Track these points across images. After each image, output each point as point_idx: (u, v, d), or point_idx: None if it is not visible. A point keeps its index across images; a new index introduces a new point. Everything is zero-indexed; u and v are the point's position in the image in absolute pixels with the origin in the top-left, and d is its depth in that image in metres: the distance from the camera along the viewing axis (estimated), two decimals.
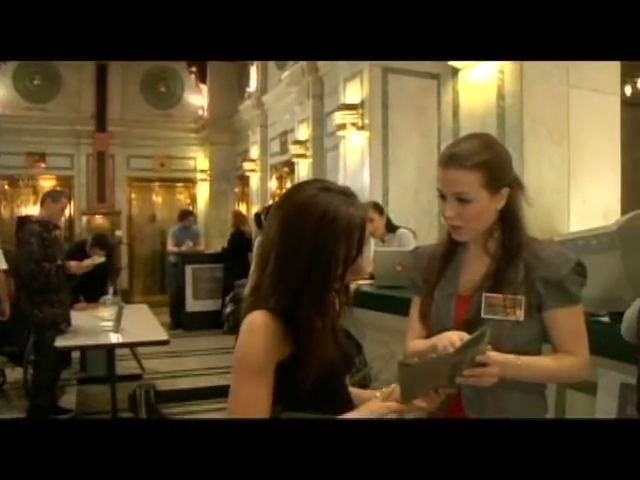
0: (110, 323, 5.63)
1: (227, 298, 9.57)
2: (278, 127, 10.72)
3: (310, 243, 1.53)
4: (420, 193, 6.31)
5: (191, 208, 13.25)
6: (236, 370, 1.56)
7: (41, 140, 12.53)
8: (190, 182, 14.25)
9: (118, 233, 12.69)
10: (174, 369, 7.64)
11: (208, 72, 13.38)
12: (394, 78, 6.61)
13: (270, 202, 9.80)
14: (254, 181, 11.69)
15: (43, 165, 12.78)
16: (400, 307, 3.75)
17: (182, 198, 14.30)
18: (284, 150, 10.21)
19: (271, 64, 10.90)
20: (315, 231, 1.53)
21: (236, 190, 13.49)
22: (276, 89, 10.35)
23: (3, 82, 12.53)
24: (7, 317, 5.77)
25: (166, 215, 13.75)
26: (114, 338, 5.37)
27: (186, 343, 9.07)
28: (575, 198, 4.66)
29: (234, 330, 1.61)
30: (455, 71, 5.22)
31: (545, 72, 4.54)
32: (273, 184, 10.93)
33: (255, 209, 10.65)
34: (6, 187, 12.91)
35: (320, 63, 8.19)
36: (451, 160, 1.85)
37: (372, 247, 5.35)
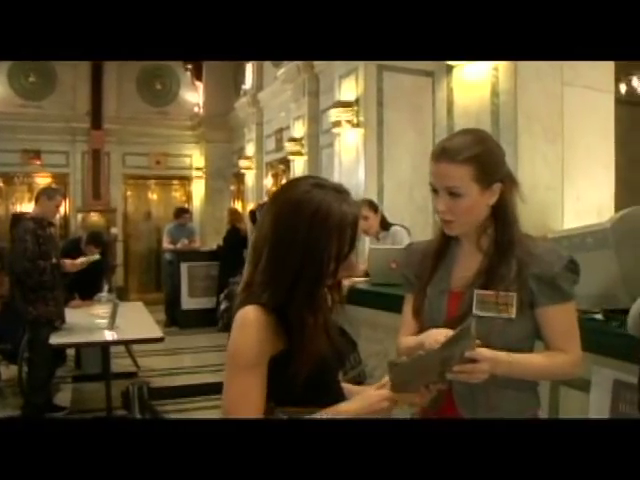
0: (105, 320, 5.64)
1: (221, 295, 9.57)
2: (274, 124, 10.72)
3: (303, 239, 1.54)
4: (415, 190, 6.30)
5: (187, 206, 13.23)
6: (229, 365, 1.57)
7: (36, 137, 12.48)
8: (186, 180, 14.23)
9: (113, 230, 12.70)
10: (170, 367, 7.65)
11: (204, 69, 13.36)
12: (389, 75, 6.60)
13: (265, 199, 9.79)
14: (250, 178, 11.69)
15: (38, 162, 12.74)
16: (395, 304, 3.75)
17: (178, 196, 14.28)
18: (279, 147, 10.20)
19: (267, 62, 10.89)
20: (308, 227, 1.54)
21: (232, 188, 13.48)
22: (272, 86, 10.34)
23: None
24: None
25: (162, 213, 13.74)
26: (109, 335, 5.37)
27: (181, 341, 9.08)
28: (569, 195, 4.66)
29: (228, 327, 1.61)
30: (449, 68, 5.22)
31: (539, 70, 4.54)
32: (269, 182, 10.92)
33: (250, 206, 10.65)
34: (1, 184, 12.89)
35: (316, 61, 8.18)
36: (443, 154, 1.85)
37: (367, 245, 5.35)
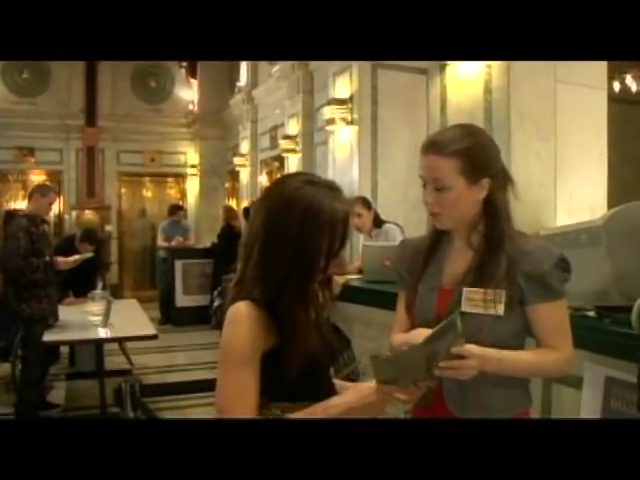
0: (98, 318, 5.62)
1: (215, 293, 9.56)
2: (268, 122, 10.71)
3: (294, 235, 1.55)
4: (409, 188, 6.30)
5: (181, 203, 13.18)
6: (222, 361, 1.58)
7: (30, 135, 12.45)
8: (180, 177, 14.21)
9: (108, 228, 12.68)
10: (164, 364, 7.64)
11: (198, 67, 13.35)
12: (383, 73, 6.61)
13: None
14: (244, 176, 11.68)
15: (32, 160, 12.70)
16: (388, 302, 3.75)
17: (172, 193, 14.26)
18: (274, 145, 10.20)
19: None
20: (299, 223, 1.55)
21: (226, 185, 13.48)
22: (266, 84, 10.34)
23: None
24: None
25: (156, 210, 13.72)
26: (102, 333, 5.36)
27: (176, 338, 9.07)
28: (562, 193, 4.66)
29: (221, 325, 1.61)
30: (443, 66, 5.22)
31: (532, 67, 4.54)
32: (263, 179, 10.92)
33: (245, 204, 10.65)
34: None
35: None
36: (431, 147, 1.87)
37: (361, 242, 5.36)
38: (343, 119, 6.73)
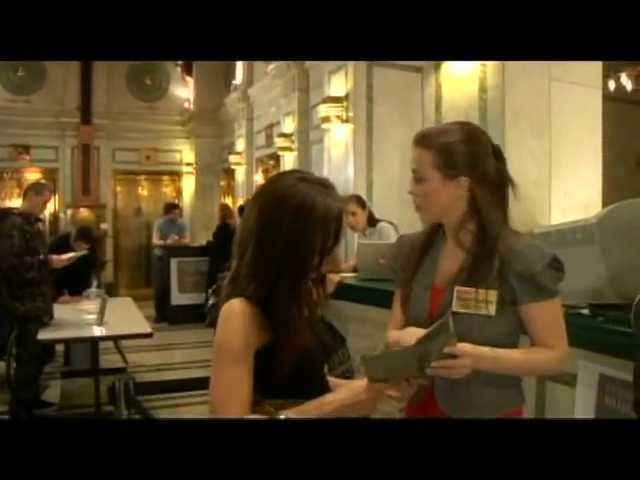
0: (93, 316, 5.61)
1: (209, 291, 9.55)
2: (264, 120, 10.71)
3: (287, 231, 1.55)
4: (405, 186, 6.28)
5: (177, 201, 13.19)
6: (216, 358, 1.58)
7: (25, 132, 12.43)
8: (176, 175, 14.19)
9: (103, 226, 12.65)
10: (159, 362, 7.64)
11: (194, 65, 13.34)
12: (379, 71, 6.61)
13: None
14: (240, 174, 11.68)
15: (27, 157, 12.68)
16: (383, 300, 3.76)
17: (168, 191, 14.24)
18: (270, 143, 10.20)
19: None
20: (292, 220, 1.56)
21: (222, 183, 13.48)
22: (262, 82, 10.34)
23: None
24: None
25: (152, 208, 13.70)
26: (97, 331, 5.36)
27: (171, 336, 9.07)
28: (556, 191, 4.66)
29: (216, 323, 1.61)
30: (438, 64, 5.22)
31: (527, 66, 4.54)
32: (259, 177, 10.92)
33: (240, 202, 10.64)
34: None
35: None
36: (417, 139, 1.92)
37: (356, 240, 5.37)
38: (338, 117, 6.74)
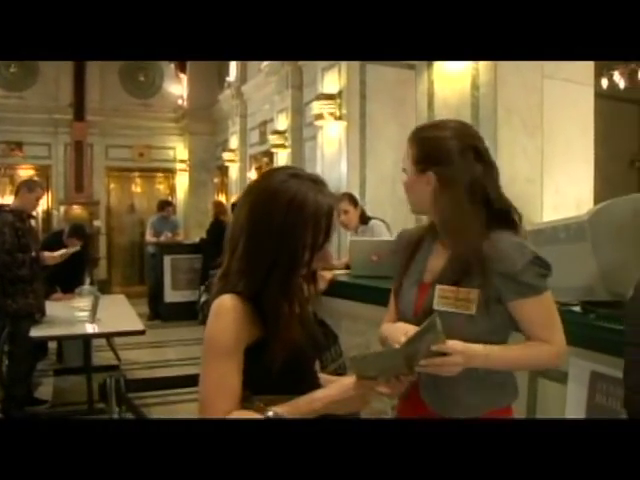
0: (86, 313, 5.61)
1: (202, 288, 9.55)
2: (257, 117, 10.70)
3: (278, 227, 1.56)
4: (397, 183, 6.22)
5: (170, 198, 13.18)
6: (206, 353, 1.58)
7: (18, 129, 12.38)
8: (169, 172, 14.16)
9: (96, 223, 12.63)
10: (152, 359, 7.63)
11: (188, 62, 13.29)
12: (372, 68, 6.62)
13: None
14: (233, 171, 11.67)
15: (20, 154, 12.63)
16: (376, 297, 3.79)
17: (161, 188, 14.21)
18: (263, 140, 10.20)
19: None
20: (283, 215, 1.56)
21: (215, 180, 13.47)
22: (256, 79, 10.32)
23: None
24: None
25: (145, 205, 13.68)
26: (89, 328, 5.36)
27: (164, 333, 9.06)
28: (548, 188, 4.68)
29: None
30: (431, 62, 5.23)
31: (519, 63, 4.54)
32: (252, 174, 10.90)
33: (234, 199, 10.63)
34: None
35: None
36: (410, 132, 1.98)
37: (348, 238, 5.37)
38: (332, 114, 6.74)
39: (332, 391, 1.61)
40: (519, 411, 2.26)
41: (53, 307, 5.92)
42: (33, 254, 5.40)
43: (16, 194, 5.68)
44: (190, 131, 13.61)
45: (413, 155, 1.92)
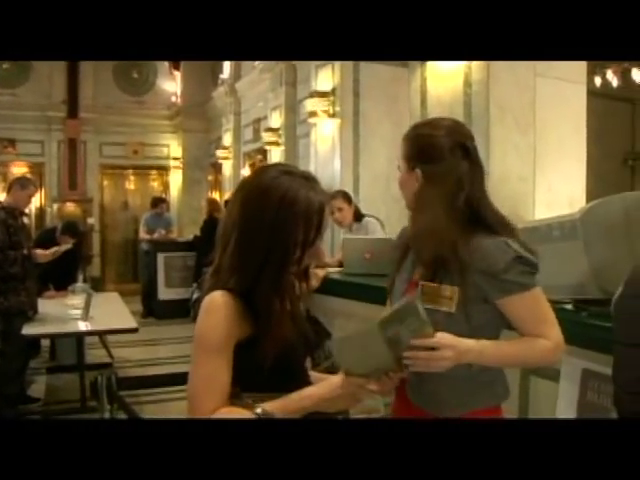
0: (79, 311, 5.60)
1: (194, 285, 9.53)
2: (251, 114, 10.70)
3: (269, 223, 1.56)
4: (391, 181, 6.26)
5: (164, 195, 13.13)
6: (196, 349, 1.57)
7: (11, 126, 12.32)
8: (163, 169, 14.15)
9: (90, 220, 12.61)
10: (146, 357, 7.61)
11: None
12: (365, 66, 6.62)
13: None
14: (227, 169, 11.66)
15: (13, 151, 12.59)
16: (369, 294, 3.79)
17: (155, 185, 14.20)
18: (257, 137, 10.19)
19: None
20: (275, 212, 1.56)
21: (209, 177, 13.47)
22: (249, 76, 10.31)
23: None
24: None
25: (139, 202, 13.65)
26: (82, 326, 5.35)
27: (158, 331, 9.04)
28: (540, 186, 4.68)
29: None
30: None
31: (512, 61, 4.55)
32: (246, 171, 10.89)
33: (227, 196, 10.63)
34: None
35: None
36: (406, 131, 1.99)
37: (342, 235, 5.37)
38: (325, 112, 6.74)
39: (321, 389, 1.61)
40: (511, 409, 2.26)
41: (46, 305, 5.90)
42: (25, 252, 5.38)
43: (8, 191, 5.66)
44: (184, 128, 13.59)
45: (405, 152, 1.94)
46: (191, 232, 11.49)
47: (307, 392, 1.60)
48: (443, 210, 1.84)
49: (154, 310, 10.35)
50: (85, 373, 5.52)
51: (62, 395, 6.05)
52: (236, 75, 11.19)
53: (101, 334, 6.62)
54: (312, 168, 6.80)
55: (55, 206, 12.62)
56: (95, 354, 7.05)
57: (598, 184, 5.16)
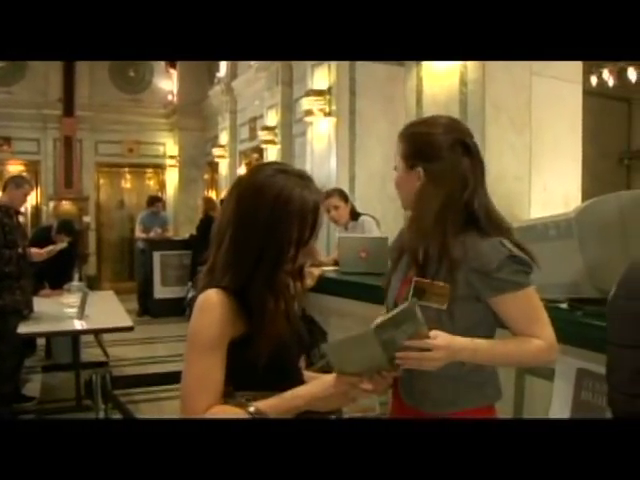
0: (74, 310, 5.59)
1: (189, 283, 9.53)
2: (247, 113, 10.69)
3: (264, 221, 1.56)
4: (387, 180, 6.29)
5: (160, 194, 13.13)
6: (189, 347, 1.57)
7: (7, 124, 12.30)
8: (159, 168, 14.13)
9: (86, 219, 12.58)
10: (141, 356, 7.61)
11: None
12: (361, 65, 6.63)
13: None
14: (223, 167, 11.66)
15: (9, 150, 12.57)
16: (364, 293, 3.79)
17: (151, 184, 14.18)
18: (253, 136, 10.19)
19: None
20: (269, 210, 1.57)
21: (205, 176, 13.45)
22: (246, 75, 10.31)
23: None
24: None
25: (134, 201, 13.65)
26: (78, 325, 5.34)
27: (154, 330, 9.04)
28: (536, 185, 4.69)
29: None
30: None
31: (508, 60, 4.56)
32: (242, 170, 10.88)
33: (223, 195, 10.62)
34: None
35: None
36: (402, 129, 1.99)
37: (337, 234, 5.37)
38: (321, 110, 6.75)
39: (314, 388, 1.61)
40: (506, 408, 2.26)
41: (41, 303, 5.89)
42: (20, 250, 5.37)
43: (4, 190, 5.65)
44: (180, 127, 13.58)
45: (403, 151, 1.93)
46: (187, 231, 11.49)
47: (300, 391, 1.60)
48: (444, 208, 1.84)
49: (150, 309, 10.36)
50: (81, 372, 5.50)
51: (57, 394, 6.05)
52: (232, 74, 11.18)
53: (97, 333, 6.61)
54: (308, 167, 6.80)
55: (51, 204, 12.59)
56: (91, 353, 7.05)
57: (594, 183, 5.17)
